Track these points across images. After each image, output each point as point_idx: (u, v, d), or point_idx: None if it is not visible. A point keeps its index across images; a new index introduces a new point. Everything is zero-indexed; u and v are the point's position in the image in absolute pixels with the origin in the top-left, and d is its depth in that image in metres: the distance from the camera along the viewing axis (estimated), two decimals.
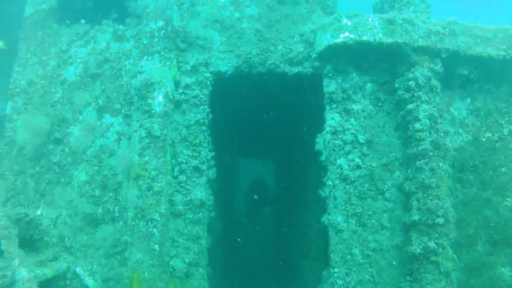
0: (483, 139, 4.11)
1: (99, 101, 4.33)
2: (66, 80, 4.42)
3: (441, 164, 3.70)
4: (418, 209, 3.70)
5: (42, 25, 4.55)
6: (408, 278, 3.76)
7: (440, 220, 3.62)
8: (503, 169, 4.10)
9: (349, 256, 3.88)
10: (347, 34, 3.73)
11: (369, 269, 3.88)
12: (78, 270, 3.93)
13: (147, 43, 4.20)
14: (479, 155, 4.07)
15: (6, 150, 4.41)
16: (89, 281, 3.88)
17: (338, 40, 3.76)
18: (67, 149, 4.30)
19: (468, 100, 4.16)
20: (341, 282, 3.86)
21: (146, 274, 3.86)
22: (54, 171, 4.28)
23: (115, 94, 4.32)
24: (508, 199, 4.05)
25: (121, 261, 4.01)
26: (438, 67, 3.79)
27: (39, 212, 4.21)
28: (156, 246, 3.88)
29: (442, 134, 3.74)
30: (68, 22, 4.46)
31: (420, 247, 3.64)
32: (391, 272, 3.88)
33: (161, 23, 4.18)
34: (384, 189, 3.91)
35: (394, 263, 3.89)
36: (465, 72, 3.98)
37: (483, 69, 4.07)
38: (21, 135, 4.34)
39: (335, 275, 3.88)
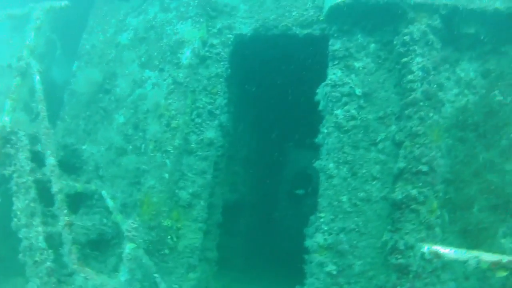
0: (492, 101, 4.34)
1: (142, 59, 5.58)
2: (119, 43, 5.79)
3: (431, 113, 4.09)
4: (405, 157, 4.10)
5: (107, 2, 6.07)
6: (389, 228, 4.10)
7: (424, 168, 3.96)
8: None
9: (336, 202, 4.37)
10: None
11: (355, 218, 4.31)
12: (103, 193, 5.03)
13: (183, 11, 5.43)
14: (486, 115, 4.31)
15: (67, 99, 5.86)
16: (110, 202, 4.94)
17: (339, 0, 4.48)
18: (113, 97, 5.59)
19: (478, 62, 4.45)
20: (326, 228, 4.35)
21: (154, 199, 4.82)
22: (100, 114, 5.58)
23: (155, 53, 5.53)
24: None
25: (138, 189, 5.02)
26: (437, 23, 4.24)
27: (84, 147, 5.50)
28: (167, 175, 4.86)
29: (435, 86, 4.14)
30: None
31: (402, 194, 4.00)
32: (377, 224, 4.26)
33: None
34: (378, 141, 4.37)
35: (381, 215, 4.26)
36: (471, 31, 4.34)
37: (494, 28, 4.34)
38: (79, 86, 5.77)
39: (321, 220, 4.39)
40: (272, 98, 7.14)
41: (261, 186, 8.15)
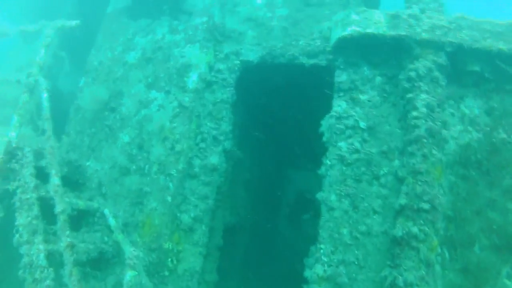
0: (495, 139, 4.40)
1: (149, 79, 5.66)
2: (127, 62, 5.88)
3: (434, 151, 4.15)
4: (407, 194, 4.15)
5: (116, 20, 6.18)
6: (389, 263, 4.13)
7: (425, 206, 4.01)
8: None
9: (337, 235, 4.41)
10: (353, 27, 4.52)
11: (355, 251, 4.35)
12: (106, 211, 5.08)
13: (191, 34, 5.53)
14: (489, 154, 4.36)
15: (73, 114, 5.94)
16: (112, 221, 4.99)
17: (346, 33, 4.57)
18: (118, 116, 5.66)
19: (483, 99, 4.52)
20: (325, 259, 4.38)
21: (156, 221, 4.87)
22: (105, 132, 5.65)
23: (162, 75, 5.62)
24: None
25: (140, 210, 5.07)
26: (442, 60, 4.33)
27: (88, 164, 5.56)
28: (169, 198, 4.91)
29: (439, 123, 4.21)
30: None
31: (403, 231, 4.04)
32: (377, 259, 4.29)
33: (204, 19, 5.49)
34: (380, 175, 4.43)
35: (381, 249, 4.29)
36: (476, 69, 4.43)
37: (499, 67, 4.43)
38: (85, 103, 5.85)
39: (321, 251, 4.42)
40: (276, 125, 7.21)
41: (262, 209, 8.20)
